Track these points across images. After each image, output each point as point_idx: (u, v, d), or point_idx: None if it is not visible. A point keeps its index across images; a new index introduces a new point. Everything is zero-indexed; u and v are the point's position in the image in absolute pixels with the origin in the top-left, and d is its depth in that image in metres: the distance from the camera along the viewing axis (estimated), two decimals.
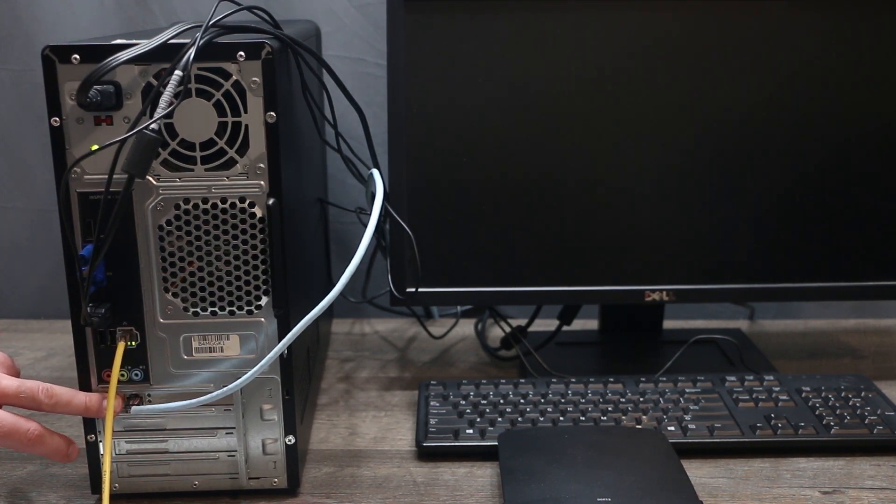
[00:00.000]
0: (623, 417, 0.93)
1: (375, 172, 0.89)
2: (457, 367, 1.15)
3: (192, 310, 0.78)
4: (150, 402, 0.79)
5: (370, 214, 0.83)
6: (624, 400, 0.97)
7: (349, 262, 0.77)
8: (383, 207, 0.95)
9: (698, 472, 0.86)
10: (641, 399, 0.97)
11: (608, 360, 1.15)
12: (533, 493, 0.76)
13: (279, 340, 0.78)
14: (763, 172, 1.02)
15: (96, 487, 0.81)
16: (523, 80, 0.99)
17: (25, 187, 1.30)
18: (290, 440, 0.81)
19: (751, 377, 1.01)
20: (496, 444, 0.87)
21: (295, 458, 0.82)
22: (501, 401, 0.96)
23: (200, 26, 0.71)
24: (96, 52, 0.71)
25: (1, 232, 1.32)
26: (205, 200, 0.75)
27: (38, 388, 0.74)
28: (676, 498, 0.76)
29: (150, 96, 0.71)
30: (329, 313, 1.25)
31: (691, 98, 1.00)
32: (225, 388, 0.77)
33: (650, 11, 0.98)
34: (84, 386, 0.78)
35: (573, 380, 1.01)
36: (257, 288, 0.77)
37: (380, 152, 0.99)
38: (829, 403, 0.96)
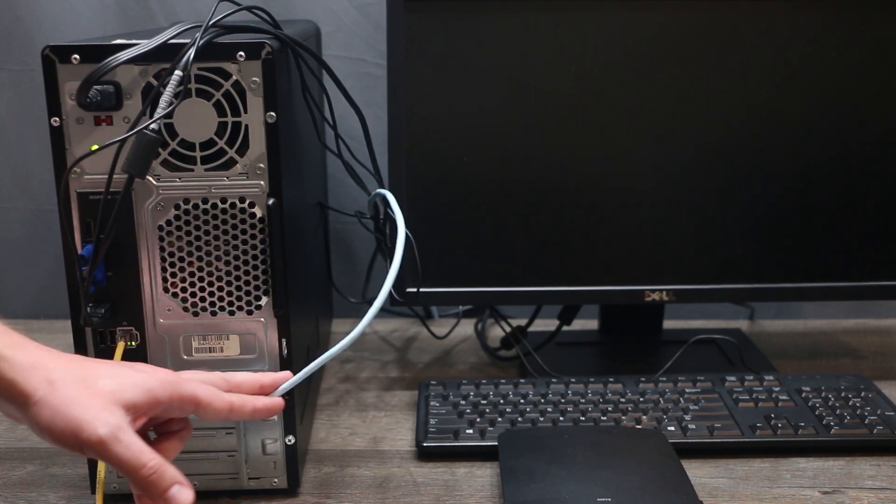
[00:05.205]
0: (623, 417, 0.93)
1: (391, 198, 0.88)
2: (457, 367, 1.15)
3: (192, 310, 0.78)
4: None
5: (392, 253, 0.83)
6: (624, 400, 0.97)
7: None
8: (385, 212, 0.95)
9: (698, 472, 0.86)
10: (641, 399, 0.97)
11: (608, 360, 1.15)
12: (533, 493, 0.76)
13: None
14: (763, 172, 1.02)
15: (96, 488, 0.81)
16: (523, 80, 0.99)
17: (25, 187, 1.30)
18: (289, 440, 0.81)
19: (751, 377, 1.01)
20: (496, 444, 0.87)
21: (295, 458, 0.82)
22: (501, 401, 0.96)
23: (200, 26, 0.71)
24: (96, 52, 0.71)
25: (0, 232, 1.32)
26: (205, 200, 0.75)
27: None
28: (676, 498, 0.76)
29: (150, 96, 0.71)
30: (329, 313, 1.25)
31: (691, 98, 1.00)
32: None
33: (650, 12, 0.98)
34: None
35: (573, 380, 1.01)
36: (257, 288, 0.77)
37: (380, 152, 0.99)
38: (829, 403, 0.96)
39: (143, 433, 0.66)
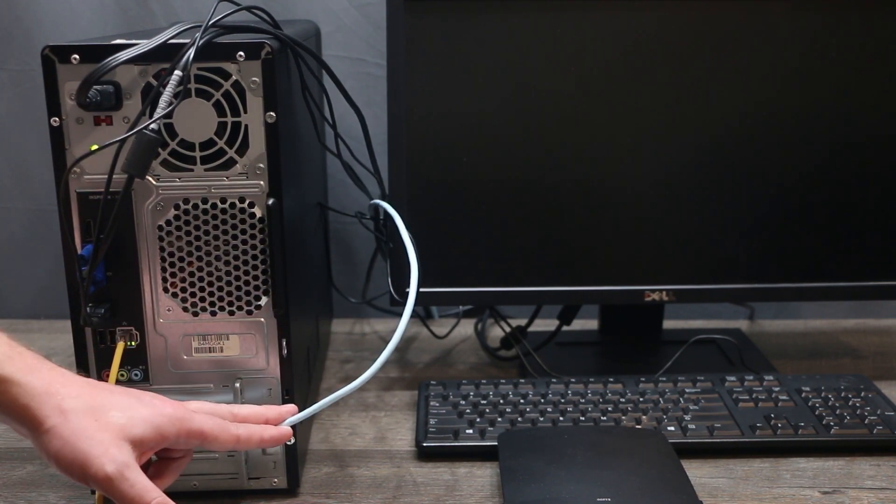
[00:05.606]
0: (623, 417, 0.93)
1: (395, 216, 0.88)
2: (457, 367, 1.15)
3: (191, 310, 0.78)
4: None
5: (408, 294, 0.83)
6: (624, 400, 0.97)
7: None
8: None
9: (698, 472, 0.86)
10: (641, 399, 0.97)
11: (608, 360, 1.15)
12: (533, 493, 0.76)
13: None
14: (763, 172, 1.02)
15: None
16: (523, 80, 0.99)
17: (25, 187, 1.30)
18: (289, 440, 0.81)
19: (751, 377, 1.01)
20: (496, 444, 0.87)
21: (295, 458, 0.82)
22: (501, 401, 0.96)
23: (200, 26, 0.71)
24: (96, 52, 0.71)
25: (0, 232, 1.32)
26: (204, 200, 0.75)
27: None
28: (676, 498, 0.76)
29: (150, 96, 0.71)
30: (329, 313, 1.25)
31: (691, 98, 1.00)
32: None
33: (650, 12, 0.98)
34: None
35: (573, 380, 1.01)
36: (257, 288, 0.77)
37: (380, 152, 0.99)
38: (829, 403, 0.96)
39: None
